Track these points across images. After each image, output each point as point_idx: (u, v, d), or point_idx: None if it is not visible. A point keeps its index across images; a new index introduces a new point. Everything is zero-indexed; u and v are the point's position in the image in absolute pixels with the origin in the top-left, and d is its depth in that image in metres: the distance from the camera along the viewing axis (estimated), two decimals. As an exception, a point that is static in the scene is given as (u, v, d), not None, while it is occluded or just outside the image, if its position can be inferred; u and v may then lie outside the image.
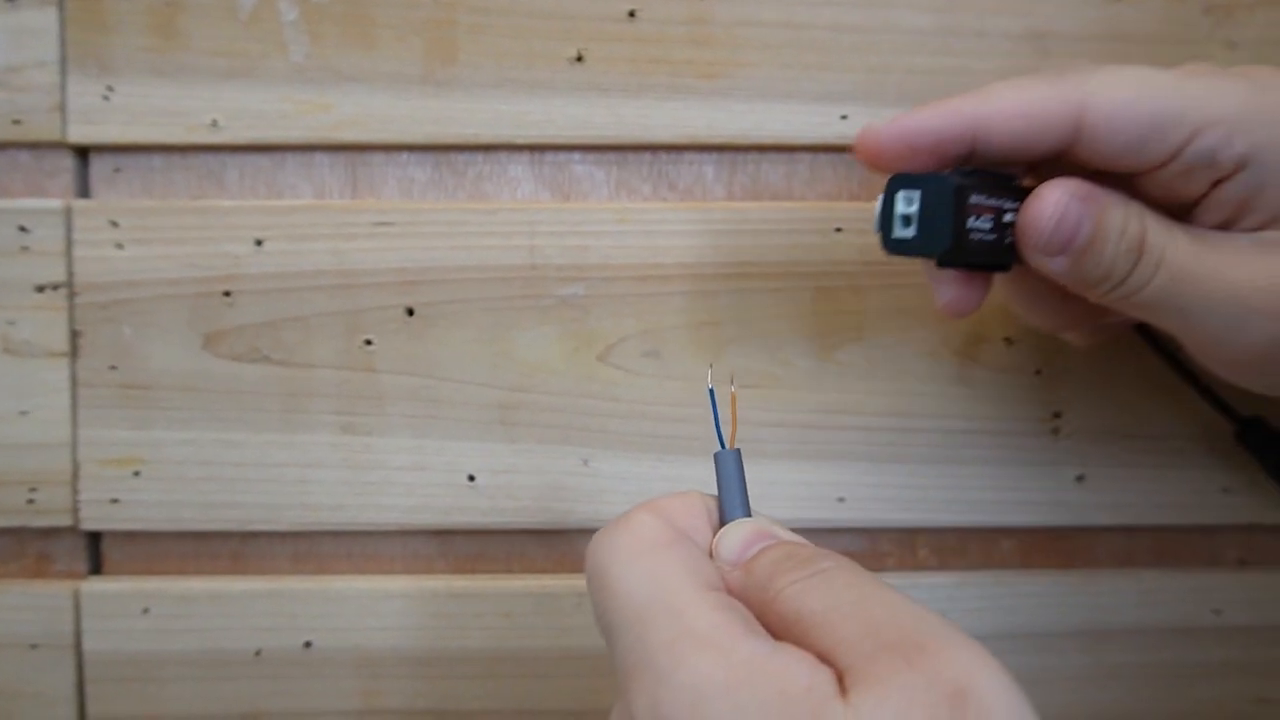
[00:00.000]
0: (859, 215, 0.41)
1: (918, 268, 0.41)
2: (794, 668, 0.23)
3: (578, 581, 0.42)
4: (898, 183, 0.31)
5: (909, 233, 0.31)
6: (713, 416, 0.30)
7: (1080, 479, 0.42)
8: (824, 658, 0.23)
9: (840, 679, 0.23)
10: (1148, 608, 0.43)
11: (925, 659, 0.22)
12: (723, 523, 0.29)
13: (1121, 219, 0.31)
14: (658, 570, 0.26)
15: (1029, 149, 0.31)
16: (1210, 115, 0.30)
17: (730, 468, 0.29)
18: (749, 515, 0.29)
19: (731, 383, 0.28)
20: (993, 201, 0.31)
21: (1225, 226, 0.31)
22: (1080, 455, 0.42)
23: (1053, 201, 0.30)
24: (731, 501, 0.29)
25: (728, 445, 0.30)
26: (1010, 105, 0.31)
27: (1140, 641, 0.43)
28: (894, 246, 0.31)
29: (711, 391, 0.29)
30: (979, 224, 0.31)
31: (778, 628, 0.25)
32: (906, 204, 0.30)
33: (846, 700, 0.22)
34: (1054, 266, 0.31)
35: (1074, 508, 0.42)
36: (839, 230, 0.41)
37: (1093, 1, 0.41)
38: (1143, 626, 0.42)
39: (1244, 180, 0.30)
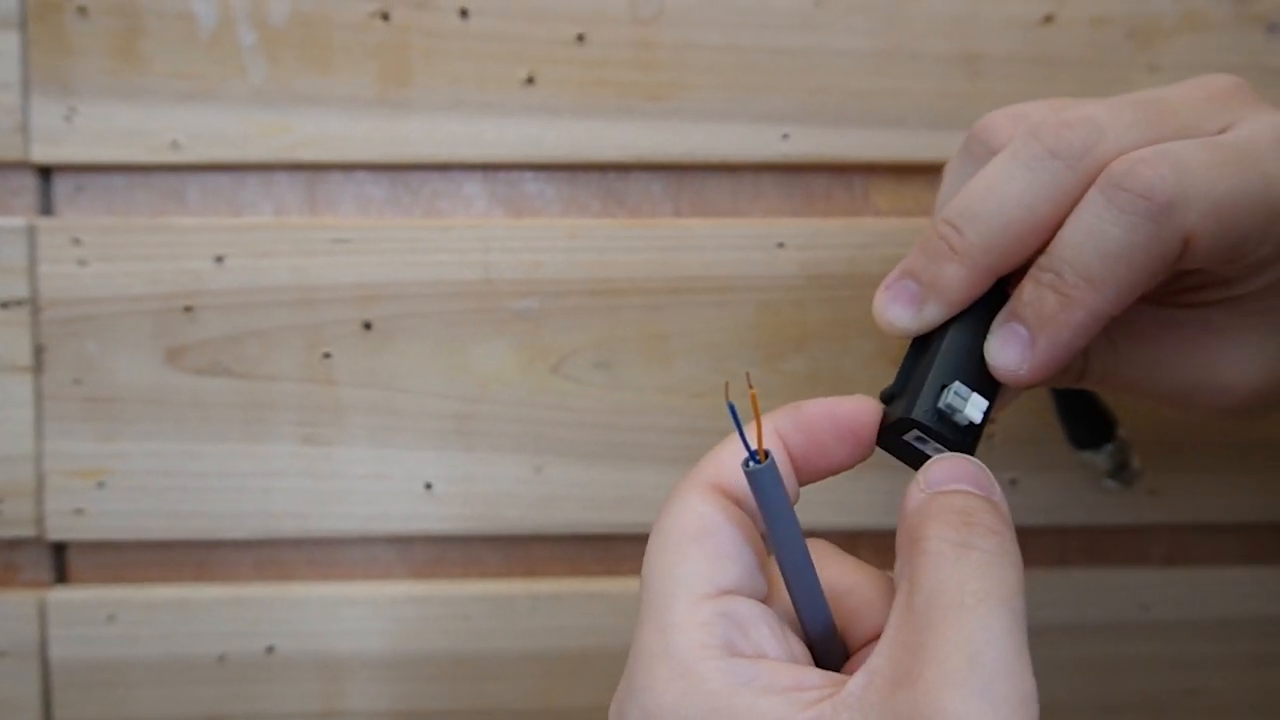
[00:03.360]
0: (800, 231, 0.42)
1: (857, 284, 0.42)
2: (759, 704, 0.24)
3: (532, 585, 0.44)
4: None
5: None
6: (738, 432, 0.26)
7: (1014, 482, 0.44)
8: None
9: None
10: (1079, 605, 0.45)
11: (909, 691, 0.23)
12: (774, 548, 0.27)
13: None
14: (673, 568, 0.26)
15: None
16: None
17: (766, 484, 0.26)
18: (800, 534, 0.26)
19: (749, 384, 0.25)
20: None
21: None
22: (1014, 459, 0.44)
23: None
24: (778, 520, 0.26)
25: (759, 456, 0.26)
26: (1123, 283, 0.28)
27: (1073, 637, 0.45)
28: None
29: (732, 407, 0.25)
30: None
31: (903, 563, 0.25)
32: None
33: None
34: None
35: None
36: (781, 245, 0.42)
37: (1022, 26, 0.42)
38: (1075, 623, 0.44)
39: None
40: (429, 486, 0.43)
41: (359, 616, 0.43)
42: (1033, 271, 0.29)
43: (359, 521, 0.43)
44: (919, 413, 0.28)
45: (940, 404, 0.28)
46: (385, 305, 0.42)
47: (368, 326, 0.42)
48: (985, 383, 0.29)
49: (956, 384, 0.29)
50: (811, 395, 0.42)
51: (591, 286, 0.42)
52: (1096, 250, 0.27)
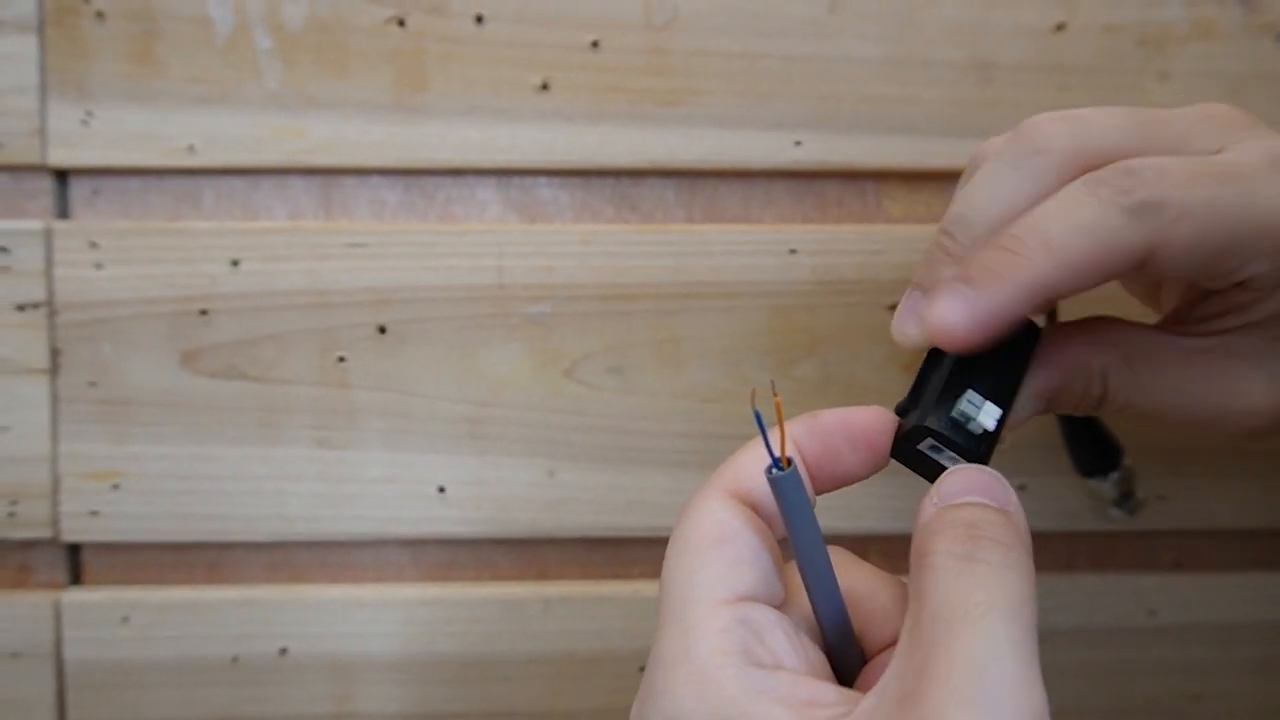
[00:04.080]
0: (812, 237, 0.43)
1: (869, 289, 0.43)
2: (774, 713, 0.24)
3: (543, 588, 0.44)
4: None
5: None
6: (762, 439, 0.26)
7: (1023, 488, 0.44)
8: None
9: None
10: (1088, 610, 0.45)
11: (913, 712, 0.23)
12: (795, 554, 0.27)
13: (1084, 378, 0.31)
14: (693, 574, 0.26)
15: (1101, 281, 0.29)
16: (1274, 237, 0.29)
17: (789, 490, 0.26)
18: (821, 540, 0.27)
19: (774, 391, 0.25)
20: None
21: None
22: (1022, 466, 0.44)
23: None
24: (799, 527, 0.27)
25: (782, 464, 0.26)
26: (1080, 259, 0.27)
27: (1080, 641, 0.45)
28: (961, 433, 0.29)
29: (758, 414, 0.25)
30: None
31: (913, 579, 0.25)
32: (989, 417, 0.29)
33: None
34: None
35: (1017, 515, 0.44)
36: (793, 252, 0.43)
37: (1033, 33, 0.43)
38: (1083, 627, 0.45)
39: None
40: (442, 490, 0.43)
41: (371, 619, 0.43)
42: (995, 238, 0.28)
43: (372, 524, 0.43)
44: (932, 421, 0.29)
45: (953, 412, 0.29)
46: (399, 309, 0.42)
47: (382, 330, 0.42)
48: (1000, 391, 0.29)
49: (969, 392, 0.29)
50: (823, 401, 0.43)
51: (604, 291, 0.43)
52: (1063, 224, 0.27)
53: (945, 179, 0.43)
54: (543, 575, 0.44)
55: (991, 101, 0.43)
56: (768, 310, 0.43)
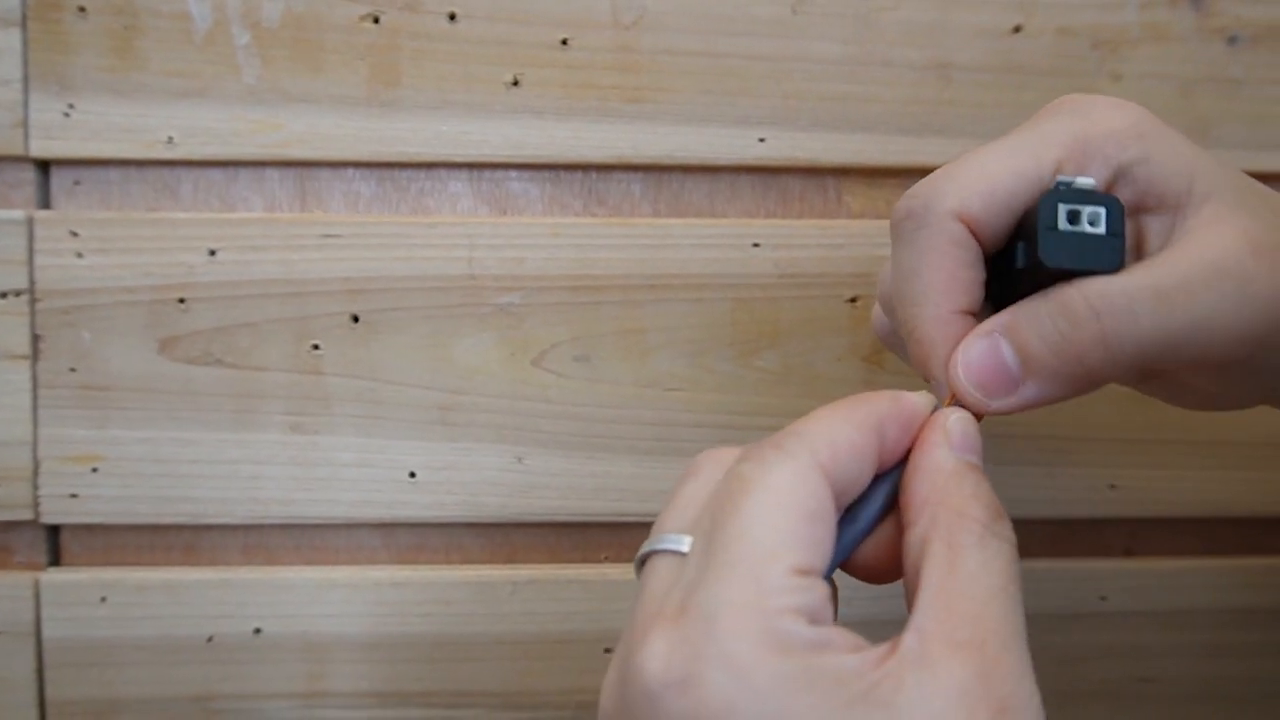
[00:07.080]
0: (775, 231, 0.44)
1: (829, 282, 0.44)
2: (841, 662, 0.25)
3: (512, 571, 0.45)
4: (1060, 199, 0.29)
5: (1097, 230, 0.29)
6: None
7: (978, 476, 0.45)
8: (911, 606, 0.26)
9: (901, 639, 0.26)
10: (1040, 595, 0.46)
11: (986, 663, 0.25)
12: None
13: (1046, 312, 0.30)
14: (781, 534, 0.26)
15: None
16: (1058, 153, 0.31)
17: None
18: None
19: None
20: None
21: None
22: (978, 454, 0.45)
23: (962, 362, 0.31)
24: None
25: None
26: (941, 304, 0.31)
27: (1033, 626, 0.45)
28: (1063, 249, 0.29)
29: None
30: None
31: (941, 527, 0.27)
32: (1091, 220, 0.29)
33: (899, 675, 0.24)
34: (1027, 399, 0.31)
35: (972, 502, 0.45)
36: (756, 245, 0.44)
37: (991, 35, 0.44)
38: (1035, 612, 0.46)
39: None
40: (413, 475, 0.44)
41: (343, 600, 0.44)
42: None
43: (344, 508, 0.44)
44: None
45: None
46: (372, 299, 0.43)
47: (355, 319, 0.43)
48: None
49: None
50: (784, 391, 0.44)
51: (572, 282, 0.44)
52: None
53: (904, 176, 0.45)
54: (511, 559, 0.46)
55: (950, 101, 0.44)
56: (731, 302, 0.44)
